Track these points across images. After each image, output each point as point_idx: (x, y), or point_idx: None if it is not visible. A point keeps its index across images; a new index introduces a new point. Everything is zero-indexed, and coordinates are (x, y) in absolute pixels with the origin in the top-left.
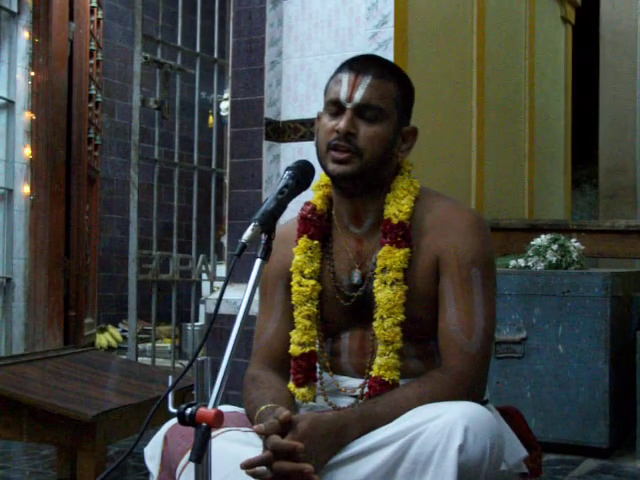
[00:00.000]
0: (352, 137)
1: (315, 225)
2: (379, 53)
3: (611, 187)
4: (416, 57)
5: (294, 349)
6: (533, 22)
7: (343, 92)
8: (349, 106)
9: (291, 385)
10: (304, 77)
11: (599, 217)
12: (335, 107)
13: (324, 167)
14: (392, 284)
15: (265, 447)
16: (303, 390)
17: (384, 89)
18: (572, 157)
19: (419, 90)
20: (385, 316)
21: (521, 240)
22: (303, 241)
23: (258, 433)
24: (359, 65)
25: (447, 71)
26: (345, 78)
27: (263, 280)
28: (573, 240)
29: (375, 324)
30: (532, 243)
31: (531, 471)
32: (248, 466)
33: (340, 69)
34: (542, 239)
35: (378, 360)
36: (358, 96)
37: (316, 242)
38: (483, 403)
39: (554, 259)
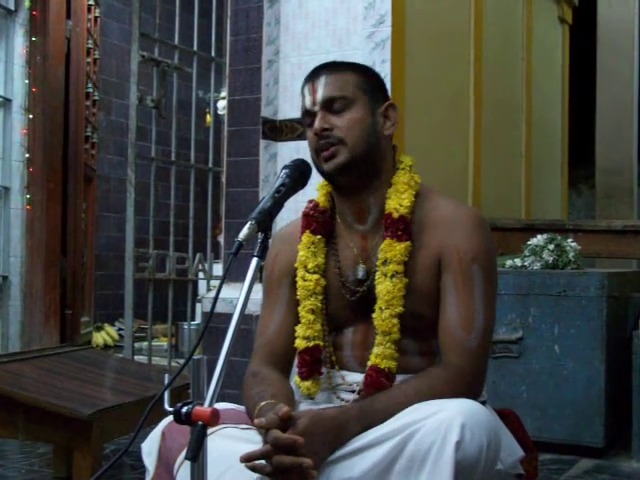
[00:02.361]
0: (330, 132)
1: (317, 221)
2: (376, 52)
3: (608, 187)
4: (413, 57)
5: (299, 343)
6: (530, 22)
7: (307, 101)
8: (316, 108)
9: (297, 378)
10: (301, 76)
11: (595, 217)
12: (309, 117)
13: (321, 173)
14: (392, 276)
15: (265, 441)
16: (308, 383)
17: (341, 80)
18: (569, 157)
19: (416, 90)
20: (384, 307)
21: (518, 240)
22: (306, 237)
23: (258, 427)
24: (313, 74)
25: (444, 71)
26: (306, 90)
27: (268, 278)
28: (569, 240)
29: (374, 315)
30: (529, 243)
31: (527, 474)
32: (247, 459)
33: (302, 86)
34: (539, 239)
35: (375, 350)
36: (320, 96)
37: (319, 237)
38: (481, 404)
39: (550, 259)
